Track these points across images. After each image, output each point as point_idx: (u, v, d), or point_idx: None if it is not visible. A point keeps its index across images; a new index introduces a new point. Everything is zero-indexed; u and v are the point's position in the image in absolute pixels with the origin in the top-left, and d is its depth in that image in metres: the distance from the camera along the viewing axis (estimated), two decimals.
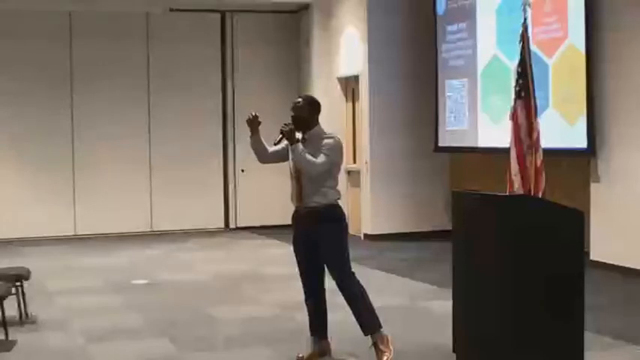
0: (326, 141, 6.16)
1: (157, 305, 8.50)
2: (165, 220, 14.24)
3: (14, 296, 7.56)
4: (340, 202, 6.30)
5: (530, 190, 7.79)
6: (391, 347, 6.16)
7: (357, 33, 13.24)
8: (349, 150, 13.88)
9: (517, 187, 7.91)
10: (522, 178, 7.96)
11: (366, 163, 13.00)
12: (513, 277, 5.47)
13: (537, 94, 7.88)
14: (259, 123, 6.19)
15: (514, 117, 7.94)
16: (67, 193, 13.87)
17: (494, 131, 11.12)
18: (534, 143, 7.94)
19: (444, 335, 6.32)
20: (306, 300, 6.37)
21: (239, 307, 8.37)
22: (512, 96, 8.12)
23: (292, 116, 6.22)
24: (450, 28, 12.32)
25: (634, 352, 6.36)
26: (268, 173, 14.63)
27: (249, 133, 6.18)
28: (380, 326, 6.22)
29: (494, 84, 11.29)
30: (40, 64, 13.65)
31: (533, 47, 8.81)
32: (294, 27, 14.82)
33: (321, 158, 6.08)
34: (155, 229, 14.20)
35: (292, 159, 6.15)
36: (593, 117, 9.66)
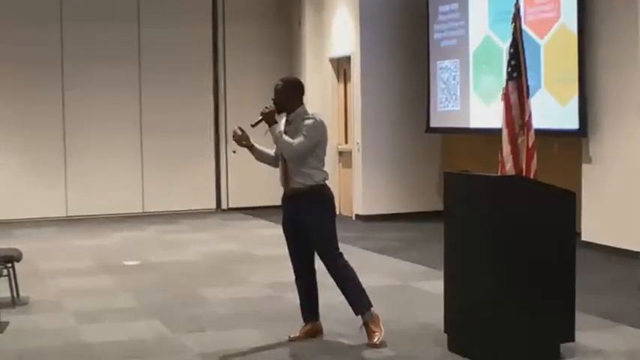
0: (306, 122, 6.14)
1: (149, 286, 8.51)
2: (157, 202, 14.22)
3: (5, 278, 7.57)
4: (328, 182, 6.28)
5: (521, 171, 7.80)
6: (382, 327, 6.18)
7: (350, 13, 13.21)
8: (341, 130, 13.88)
9: (509, 168, 7.92)
10: (514, 159, 7.97)
11: (358, 143, 12.99)
12: (505, 258, 5.49)
13: (529, 74, 7.87)
14: (247, 138, 6.16)
15: (506, 98, 7.94)
16: (59, 175, 13.84)
17: (486, 112, 11.13)
18: (526, 124, 7.95)
19: (436, 315, 6.34)
20: (296, 281, 6.38)
21: (230, 288, 8.38)
22: (504, 77, 8.12)
23: (273, 99, 6.20)
24: (442, 8, 12.29)
25: (624, 332, 6.39)
26: None
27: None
28: (370, 305, 6.24)
29: (487, 65, 11.29)
30: (30, 45, 13.56)
31: (524, 28, 8.81)
32: (286, 6, 14.76)
33: (298, 139, 6.05)
34: (146, 210, 14.18)
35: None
36: (585, 98, 9.66)
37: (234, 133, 6.22)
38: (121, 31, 13.98)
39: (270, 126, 6.08)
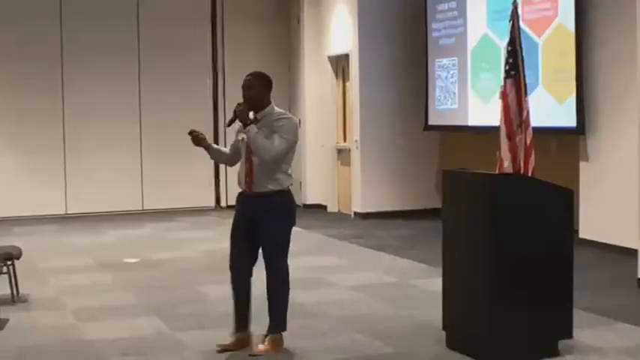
0: (282, 122, 5.83)
1: (148, 283, 8.52)
2: (156, 199, 14.24)
3: (5, 275, 7.59)
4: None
5: (519, 169, 7.83)
6: (274, 349, 5.94)
7: (348, 11, 13.23)
8: (340, 128, 13.91)
9: (507, 166, 7.95)
10: (512, 156, 8.00)
11: (357, 141, 13.02)
12: (503, 255, 5.51)
13: (527, 73, 7.90)
14: (203, 137, 6.01)
15: (504, 96, 7.97)
16: (58, 173, 13.85)
17: (484, 110, 11.15)
18: (524, 122, 7.97)
19: (434, 313, 6.36)
20: (234, 287, 6.08)
21: (229, 286, 8.37)
22: (502, 75, 8.14)
23: (244, 95, 5.88)
24: (440, 6, 12.31)
25: (622, 330, 6.41)
26: None
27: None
28: (284, 329, 6.02)
29: (485, 63, 11.31)
30: (30, 45, 13.57)
31: (522, 26, 8.83)
32: (285, 5, 14.78)
33: (277, 141, 5.75)
34: (146, 208, 14.20)
35: (245, 141, 5.85)
36: (582, 96, 9.69)
37: (193, 134, 6.02)
38: (120, 31, 13.98)
39: (244, 125, 5.81)
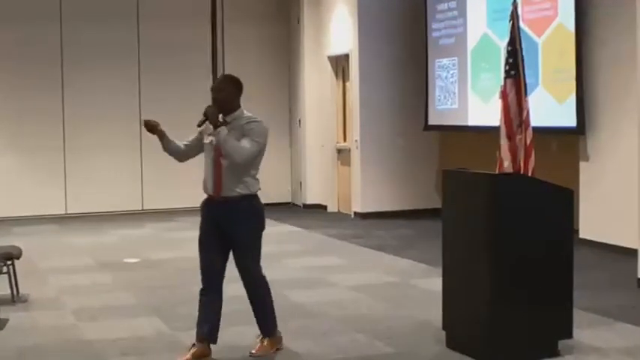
0: (252, 126, 5.72)
1: (148, 283, 8.53)
2: (156, 199, 14.24)
3: (5, 275, 7.59)
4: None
5: (519, 169, 7.84)
6: (274, 348, 5.92)
7: (348, 11, 13.23)
8: (340, 128, 13.92)
9: (507, 166, 7.96)
10: (512, 156, 8.01)
11: (357, 141, 13.02)
12: (503, 255, 5.51)
13: (527, 73, 7.91)
14: (157, 126, 5.94)
15: (504, 96, 7.98)
16: (58, 173, 13.85)
17: (484, 110, 11.15)
18: (524, 122, 7.98)
19: (434, 313, 6.36)
20: (203, 295, 5.93)
21: (228, 286, 8.33)
22: (502, 75, 8.14)
23: (214, 98, 5.80)
24: (440, 6, 12.32)
25: (622, 330, 6.41)
26: None
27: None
28: (276, 328, 5.98)
29: (485, 63, 11.31)
30: (30, 45, 13.58)
31: (522, 26, 8.84)
32: (285, 5, 14.78)
33: (248, 144, 5.65)
34: (146, 207, 14.20)
35: (214, 143, 5.75)
36: (582, 96, 9.69)
37: (146, 123, 5.93)
38: (120, 31, 13.99)
39: (215, 127, 5.69)
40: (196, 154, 6.09)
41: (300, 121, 14.39)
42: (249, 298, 5.97)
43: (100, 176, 13.92)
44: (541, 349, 5.64)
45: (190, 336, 6.47)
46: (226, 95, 5.81)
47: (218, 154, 5.75)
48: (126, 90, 14.06)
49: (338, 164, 13.79)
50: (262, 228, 5.90)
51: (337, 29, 13.61)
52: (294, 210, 13.99)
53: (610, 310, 6.93)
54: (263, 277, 5.93)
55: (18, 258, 7.83)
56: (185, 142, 6.11)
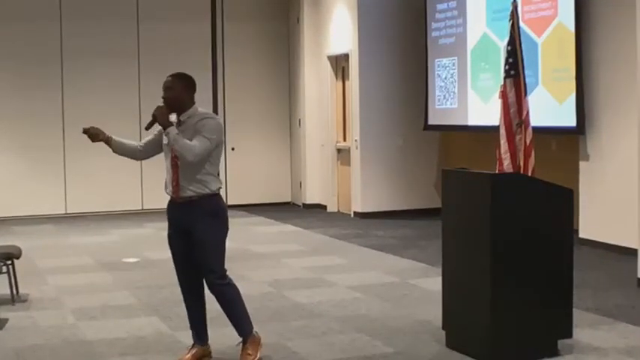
0: (205, 121, 5.55)
1: (148, 283, 8.52)
2: (156, 199, 14.19)
3: (5, 275, 7.58)
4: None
5: (519, 168, 7.85)
6: (259, 351, 5.77)
7: (348, 11, 13.23)
8: (339, 128, 13.92)
9: (507, 165, 7.96)
10: (512, 156, 8.01)
11: (356, 141, 13.02)
12: (503, 255, 5.51)
13: (526, 72, 7.91)
14: (99, 135, 5.90)
15: (503, 95, 7.98)
16: (58, 172, 13.86)
17: (484, 110, 11.15)
18: (524, 122, 7.99)
19: (434, 312, 6.36)
20: (185, 301, 5.90)
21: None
22: (502, 74, 8.15)
23: (163, 97, 5.62)
24: (439, 6, 12.32)
25: (622, 329, 6.41)
26: (258, 151, 14.67)
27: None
28: (252, 327, 5.81)
29: (484, 62, 11.31)
30: (30, 44, 13.58)
31: (522, 26, 8.84)
32: (284, 4, 14.79)
33: (200, 141, 5.47)
34: (145, 207, 14.20)
35: (167, 144, 5.60)
36: (582, 96, 9.69)
37: (86, 132, 5.85)
38: (120, 30, 13.99)
39: (164, 128, 5.52)
40: (156, 153, 5.91)
41: (300, 121, 14.39)
42: (218, 302, 5.76)
43: (100, 176, 13.92)
44: (541, 349, 5.64)
45: (190, 336, 6.47)
46: (176, 93, 5.62)
47: (174, 154, 5.61)
48: (126, 89, 14.06)
49: (338, 164, 13.79)
50: (224, 227, 5.74)
51: (337, 29, 13.61)
52: (294, 210, 14.01)
53: (610, 309, 6.93)
54: (227, 283, 5.73)
55: (18, 258, 7.83)
56: (144, 141, 6.01)
